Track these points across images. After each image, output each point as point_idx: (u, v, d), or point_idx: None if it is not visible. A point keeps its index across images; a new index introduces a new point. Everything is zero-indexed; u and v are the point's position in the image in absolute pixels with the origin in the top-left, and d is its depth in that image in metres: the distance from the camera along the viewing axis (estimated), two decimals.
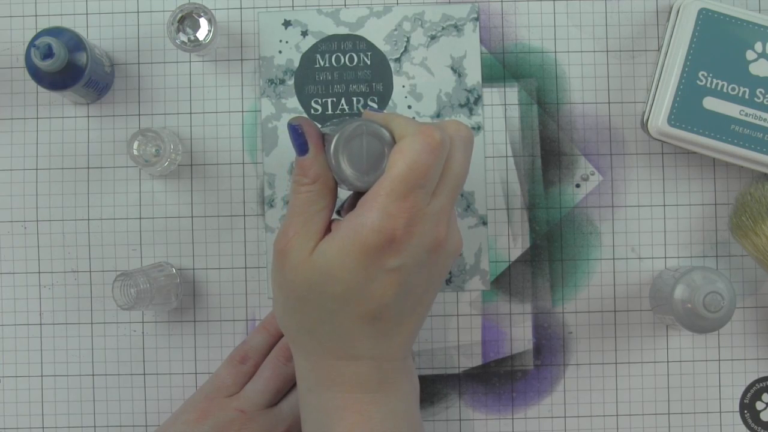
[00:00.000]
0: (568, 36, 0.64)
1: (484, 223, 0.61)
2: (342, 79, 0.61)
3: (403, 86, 0.61)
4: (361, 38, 0.61)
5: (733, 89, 0.60)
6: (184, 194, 0.64)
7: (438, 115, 0.61)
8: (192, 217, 0.64)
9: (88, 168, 0.64)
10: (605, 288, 0.64)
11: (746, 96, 0.60)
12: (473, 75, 0.61)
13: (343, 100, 0.61)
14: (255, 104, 0.64)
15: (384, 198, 0.44)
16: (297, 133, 0.47)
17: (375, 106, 0.61)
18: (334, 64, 0.61)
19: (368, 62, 0.61)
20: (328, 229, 0.47)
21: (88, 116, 0.64)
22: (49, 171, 0.64)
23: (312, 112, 0.61)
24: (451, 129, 0.46)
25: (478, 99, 0.61)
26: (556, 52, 0.64)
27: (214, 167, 0.64)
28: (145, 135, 0.60)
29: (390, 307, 0.46)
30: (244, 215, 0.64)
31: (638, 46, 0.64)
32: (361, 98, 0.61)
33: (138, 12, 0.64)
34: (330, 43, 0.61)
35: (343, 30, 0.61)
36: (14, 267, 0.64)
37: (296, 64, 0.61)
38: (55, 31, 0.59)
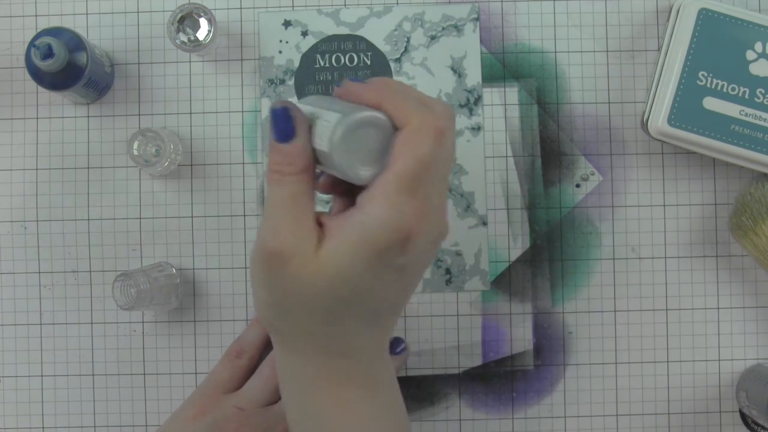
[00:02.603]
0: (568, 36, 0.64)
1: (484, 224, 0.61)
2: (342, 79, 0.61)
3: None
4: (361, 38, 0.61)
5: (733, 89, 0.60)
6: (184, 194, 0.64)
7: None
8: (192, 217, 0.64)
9: (88, 168, 0.64)
10: (605, 288, 0.64)
11: (746, 96, 0.60)
12: (473, 75, 0.61)
13: None
14: (255, 104, 0.64)
15: (394, 195, 0.41)
16: (284, 116, 0.43)
17: None
18: (334, 64, 0.61)
19: (368, 62, 0.61)
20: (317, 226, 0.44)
21: (88, 116, 0.64)
22: (49, 171, 0.64)
23: None
24: (440, 109, 0.43)
25: (478, 99, 0.61)
26: (556, 52, 0.64)
27: (214, 167, 0.64)
28: (145, 135, 0.60)
29: (392, 304, 0.45)
30: (244, 215, 0.64)
31: (638, 46, 0.64)
32: None
33: (138, 12, 0.64)
34: (330, 44, 0.61)
35: (343, 30, 0.61)
36: (14, 267, 0.64)
37: (296, 64, 0.61)
38: (55, 31, 0.59)
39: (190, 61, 0.64)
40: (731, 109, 0.60)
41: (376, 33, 0.61)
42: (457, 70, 0.61)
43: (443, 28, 0.61)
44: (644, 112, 0.62)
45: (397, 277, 0.43)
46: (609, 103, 0.64)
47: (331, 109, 0.43)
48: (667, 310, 0.63)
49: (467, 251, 0.61)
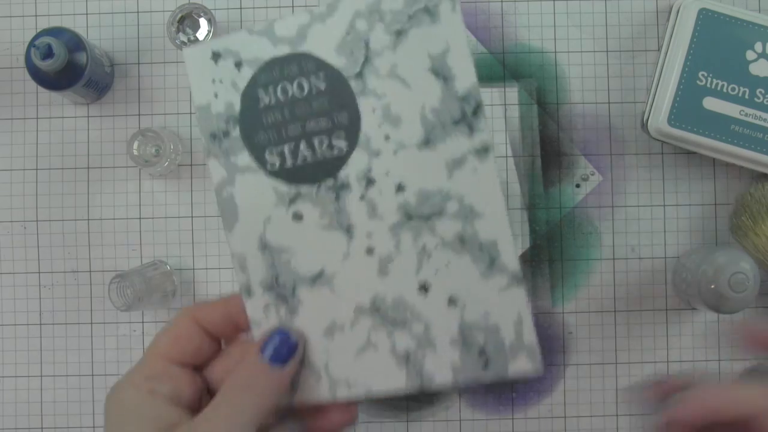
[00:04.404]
0: (568, 36, 0.64)
1: (519, 282, 0.43)
2: (294, 116, 0.46)
3: (374, 110, 0.45)
4: (306, 56, 0.45)
5: (733, 89, 0.60)
6: (184, 194, 0.64)
7: (427, 141, 0.44)
8: (192, 217, 0.64)
9: (88, 168, 0.64)
10: (605, 288, 0.64)
11: (746, 96, 0.60)
12: (465, 75, 0.43)
13: (302, 144, 0.46)
14: None
15: None
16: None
17: (342, 145, 0.45)
18: (281, 98, 0.46)
19: (321, 87, 0.45)
20: None
21: (88, 116, 0.64)
22: (49, 171, 0.64)
23: (268, 168, 0.46)
24: None
25: (477, 108, 0.43)
26: (556, 52, 0.64)
27: None
28: (145, 135, 0.60)
29: None
30: None
31: (638, 46, 0.64)
32: (324, 137, 0.46)
33: (138, 12, 0.64)
34: (270, 71, 0.46)
35: (282, 50, 0.46)
36: (14, 267, 0.64)
37: (237, 107, 0.46)
38: (55, 31, 0.59)
39: None
40: (731, 109, 0.60)
41: (324, 44, 0.45)
42: (441, 72, 0.44)
43: (410, 17, 0.44)
44: (644, 112, 0.62)
45: None
46: (609, 103, 0.64)
47: None
48: (667, 310, 0.63)
49: (503, 323, 0.44)
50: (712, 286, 0.56)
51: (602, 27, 0.64)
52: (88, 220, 0.64)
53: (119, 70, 0.64)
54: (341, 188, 0.46)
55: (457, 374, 0.45)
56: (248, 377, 0.42)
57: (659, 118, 0.60)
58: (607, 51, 0.64)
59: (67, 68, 0.58)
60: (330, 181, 0.46)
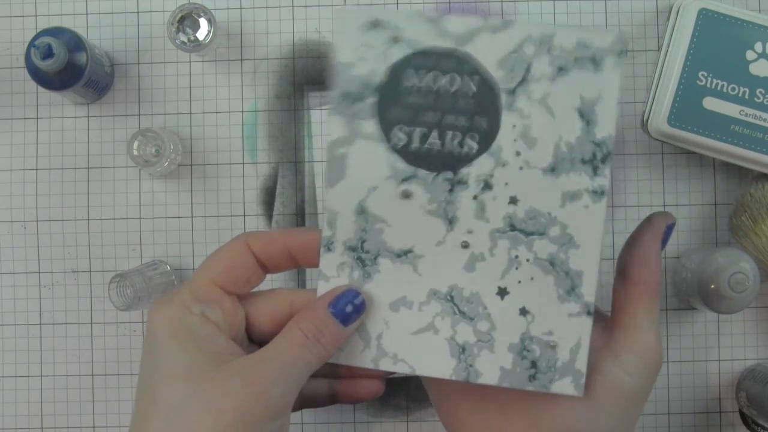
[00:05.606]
0: None
1: (589, 313, 0.48)
2: (437, 105, 0.47)
3: (514, 126, 0.47)
4: (467, 57, 0.47)
5: (733, 89, 0.60)
6: (184, 194, 0.64)
7: (552, 170, 0.47)
8: (192, 217, 0.64)
9: (88, 168, 0.64)
10: (605, 288, 0.63)
11: (746, 96, 0.60)
12: (605, 125, 0.47)
13: (435, 133, 0.48)
14: (255, 104, 0.64)
15: None
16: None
17: (473, 146, 0.48)
18: (429, 85, 0.47)
19: (473, 89, 0.47)
20: None
21: (88, 116, 0.64)
22: (49, 171, 0.64)
23: (393, 142, 0.47)
24: None
25: (606, 156, 0.47)
26: None
27: (214, 167, 0.64)
28: (145, 135, 0.61)
29: None
30: (244, 215, 0.64)
31: (638, 46, 0.64)
32: (458, 133, 0.47)
33: (138, 12, 0.64)
34: (427, 58, 0.47)
35: (446, 43, 0.47)
36: (14, 267, 0.64)
37: (380, 78, 0.47)
38: (55, 31, 0.59)
39: (190, 61, 0.64)
40: (731, 109, 0.60)
41: (488, 52, 0.47)
42: (586, 116, 0.46)
43: (576, 59, 0.46)
44: (644, 112, 0.62)
45: None
46: None
47: None
48: (666, 310, 0.63)
49: (563, 344, 0.48)
50: (712, 286, 0.56)
51: (602, 27, 0.64)
52: (88, 220, 0.64)
53: (119, 70, 0.64)
54: (458, 183, 0.48)
55: (503, 377, 0.48)
56: (318, 326, 0.44)
57: (659, 118, 0.60)
58: None
59: (67, 68, 0.58)
60: (449, 174, 0.48)
